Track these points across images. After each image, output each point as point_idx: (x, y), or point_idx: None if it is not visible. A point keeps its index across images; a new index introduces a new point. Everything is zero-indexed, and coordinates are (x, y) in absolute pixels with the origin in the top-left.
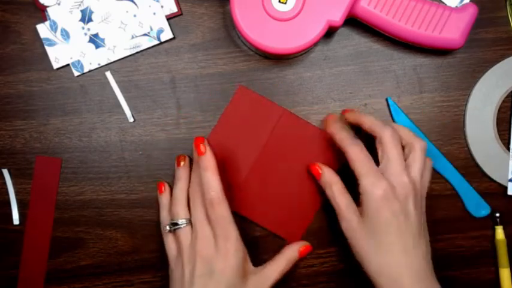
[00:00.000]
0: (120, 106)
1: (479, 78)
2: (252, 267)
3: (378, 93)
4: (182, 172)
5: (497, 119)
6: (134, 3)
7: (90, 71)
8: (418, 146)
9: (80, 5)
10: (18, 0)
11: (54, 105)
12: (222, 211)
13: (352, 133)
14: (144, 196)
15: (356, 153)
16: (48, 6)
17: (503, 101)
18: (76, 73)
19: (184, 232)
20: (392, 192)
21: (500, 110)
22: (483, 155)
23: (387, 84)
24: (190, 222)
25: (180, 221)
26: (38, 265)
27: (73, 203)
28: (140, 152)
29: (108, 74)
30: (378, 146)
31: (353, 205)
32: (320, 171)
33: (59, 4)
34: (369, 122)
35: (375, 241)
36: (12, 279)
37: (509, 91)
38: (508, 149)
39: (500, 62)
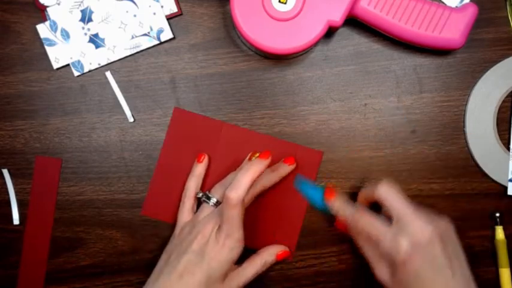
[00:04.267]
0: (120, 106)
1: (479, 78)
2: (234, 265)
3: (378, 93)
4: (258, 167)
5: (497, 119)
6: (134, 3)
7: (90, 71)
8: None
9: (80, 5)
10: (18, 0)
11: (54, 105)
12: (234, 213)
13: (352, 208)
14: (144, 196)
15: (365, 225)
16: (48, 6)
17: (503, 101)
18: (76, 73)
19: (208, 210)
20: (413, 248)
21: (500, 110)
22: (483, 155)
23: (387, 84)
24: (217, 205)
25: (213, 199)
26: (38, 265)
27: (73, 203)
28: (140, 152)
29: (108, 74)
30: (382, 205)
31: (381, 256)
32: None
33: (59, 4)
34: (366, 191)
35: None
36: (12, 279)
37: (509, 91)
38: (508, 149)
39: (500, 62)
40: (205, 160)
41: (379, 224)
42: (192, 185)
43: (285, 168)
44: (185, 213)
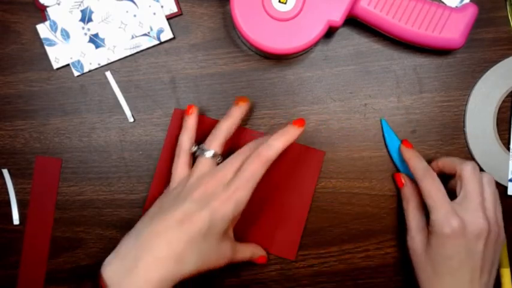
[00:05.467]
0: (120, 106)
1: (479, 78)
2: (232, 234)
3: (378, 93)
4: (237, 112)
5: (497, 119)
6: (134, 3)
7: (90, 71)
8: (486, 179)
9: (80, 5)
10: (18, 0)
11: (54, 105)
12: (258, 171)
13: (426, 163)
14: (144, 196)
15: (429, 186)
16: (48, 6)
17: (503, 101)
18: (76, 73)
19: (206, 162)
20: (461, 231)
21: (500, 110)
22: (483, 155)
23: (387, 84)
24: (214, 157)
25: (208, 151)
26: (38, 265)
27: (73, 203)
28: (140, 152)
29: (108, 74)
30: (457, 180)
31: (423, 229)
32: (403, 182)
33: (59, 4)
34: (449, 160)
35: (433, 271)
36: (12, 279)
37: (509, 91)
38: (508, 149)
39: (500, 62)
40: (194, 111)
41: (443, 193)
42: (185, 138)
43: (295, 131)
44: (180, 167)
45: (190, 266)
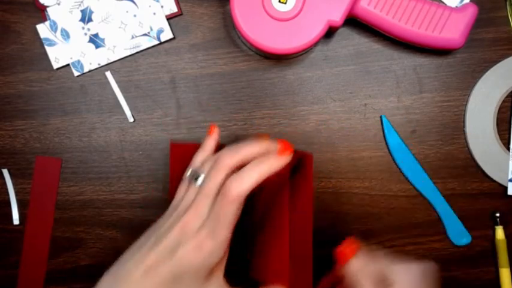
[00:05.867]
0: (120, 106)
1: (479, 78)
2: (222, 280)
3: (378, 93)
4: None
5: (497, 119)
6: (134, 3)
7: (90, 71)
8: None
9: (80, 5)
10: (18, 0)
11: (54, 105)
12: (228, 211)
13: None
14: (144, 196)
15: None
16: (48, 6)
17: (503, 101)
18: (76, 73)
19: (194, 192)
20: None
21: (500, 110)
22: (483, 155)
23: (387, 84)
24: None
25: (200, 180)
26: (38, 265)
27: (73, 203)
28: (140, 152)
29: (108, 74)
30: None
31: None
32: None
33: (59, 4)
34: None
35: None
36: (12, 279)
37: (509, 91)
38: (508, 149)
39: (500, 62)
40: (216, 133)
41: None
42: (199, 160)
43: (278, 162)
44: (182, 191)
45: None
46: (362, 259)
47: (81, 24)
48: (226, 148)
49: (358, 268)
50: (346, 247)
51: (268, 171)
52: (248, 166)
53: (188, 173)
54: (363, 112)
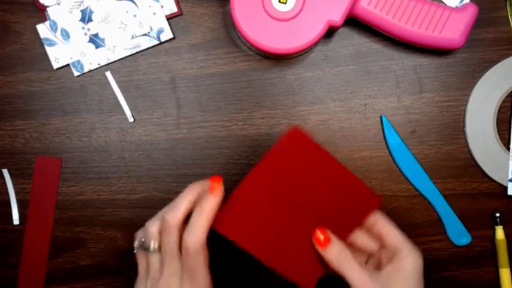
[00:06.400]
0: (120, 106)
1: (479, 78)
2: None
3: (378, 93)
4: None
5: (497, 119)
6: (134, 3)
7: (90, 71)
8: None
9: (80, 5)
10: (18, 0)
11: (54, 105)
12: (196, 262)
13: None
14: (144, 196)
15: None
16: (48, 6)
17: (503, 101)
18: (76, 73)
19: (155, 258)
20: None
21: (500, 110)
22: (483, 155)
23: (387, 84)
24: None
25: (152, 246)
26: (38, 265)
27: (73, 203)
28: (140, 152)
29: (108, 74)
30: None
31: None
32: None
33: (59, 4)
34: (393, 233)
35: None
36: (12, 279)
37: (509, 91)
38: (508, 149)
39: (500, 62)
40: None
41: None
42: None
43: (212, 202)
44: (142, 262)
45: None
46: (338, 244)
47: (81, 24)
48: (164, 209)
49: (337, 254)
50: (319, 235)
51: (212, 212)
52: (193, 217)
53: (136, 244)
54: (363, 112)
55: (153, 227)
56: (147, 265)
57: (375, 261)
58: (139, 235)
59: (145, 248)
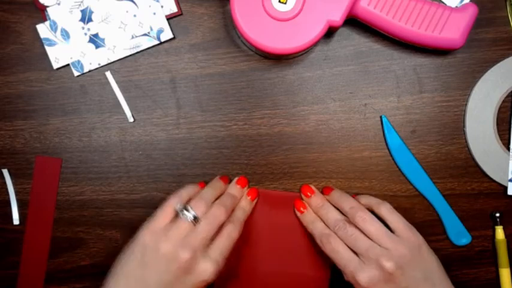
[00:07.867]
0: (120, 106)
1: (479, 78)
2: None
3: (378, 93)
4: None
5: (497, 119)
6: (134, 3)
7: (90, 71)
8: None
9: (80, 5)
10: (18, 0)
11: (54, 105)
12: (230, 244)
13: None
14: (144, 196)
15: (331, 247)
16: (48, 6)
17: (503, 101)
18: (76, 73)
19: (186, 225)
20: (378, 273)
21: (500, 110)
22: (483, 155)
23: (387, 84)
24: (195, 221)
25: (190, 214)
26: (38, 265)
27: (73, 203)
28: (140, 152)
29: (108, 74)
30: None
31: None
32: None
33: (59, 4)
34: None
35: None
36: (12, 279)
37: (509, 91)
38: (508, 149)
39: (500, 62)
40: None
41: (348, 251)
42: (185, 195)
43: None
44: (163, 218)
45: None
46: (310, 213)
47: (81, 24)
48: (216, 203)
49: (308, 220)
50: (297, 201)
51: (234, 239)
52: (217, 243)
53: (178, 206)
54: (363, 112)
55: (204, 203)
56: (173, 226)
57: None
58: (183, 197)
59: (187, 212)
